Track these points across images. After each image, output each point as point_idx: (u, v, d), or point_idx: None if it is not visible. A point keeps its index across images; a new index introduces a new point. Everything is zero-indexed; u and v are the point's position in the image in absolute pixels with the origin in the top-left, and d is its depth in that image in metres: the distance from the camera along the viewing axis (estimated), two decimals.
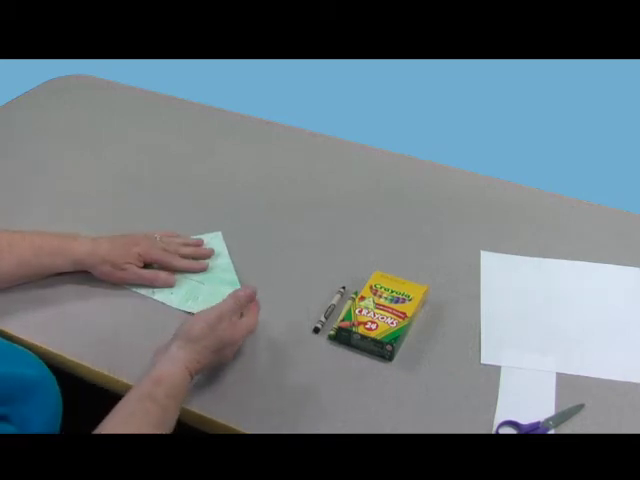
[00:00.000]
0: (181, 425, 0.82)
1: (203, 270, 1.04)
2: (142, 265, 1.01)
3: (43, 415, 0.77)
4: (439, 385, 0.89)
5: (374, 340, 0.91)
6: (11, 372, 0.77)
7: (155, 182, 1.25)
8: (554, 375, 0.90)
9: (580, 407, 0.86)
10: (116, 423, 0.74)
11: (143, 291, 1.00)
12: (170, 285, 1.01)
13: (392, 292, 0.98)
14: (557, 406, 0.86)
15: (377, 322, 0.93)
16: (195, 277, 1.03)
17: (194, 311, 0.96)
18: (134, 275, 0.99)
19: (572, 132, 2.21)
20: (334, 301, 0.99)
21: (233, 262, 1.06)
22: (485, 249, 1.11)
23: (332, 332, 0.94)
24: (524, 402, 0.87)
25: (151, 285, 1.00)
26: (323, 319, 0.96)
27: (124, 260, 0.98)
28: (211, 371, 0.88)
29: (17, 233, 0.97)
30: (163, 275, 1.00)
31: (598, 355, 0.94)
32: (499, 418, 0.85)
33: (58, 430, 0.80)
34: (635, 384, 0.90)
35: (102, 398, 0.79)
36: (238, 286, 1.01)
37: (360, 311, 0.95)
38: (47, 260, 0.97)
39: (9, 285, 0.98)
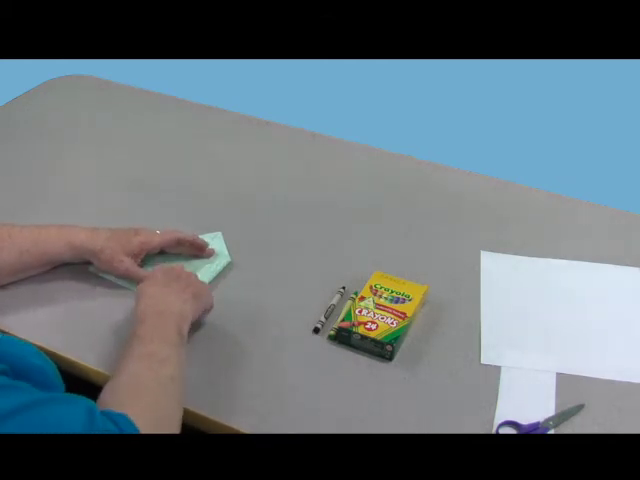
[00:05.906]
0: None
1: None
2: (143, 256, 1.01)
3: None
4: (439, 385, 0.89)
5: (374, 340, 0.91)
6: (25, 359, 0.77)
7: (155, 182, 1.25)
8: (554, 375, 0.90)
9: (580, 407, 0.86)
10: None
11: None
12: None
13: (392, 292, 0.97)
14: (557, 406, 0.86)
15: (377, 322, 0.93)
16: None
17: None
18: (127, 269, 0.98)
19: (572, 132, 2.21)
20: (334, 301, 0.99)
21: (233, 262, 1.06)
22: (485, 249, 1.11)
23: (332, 332, 0.94)
24: (524, 402, 0.87)
25: None
26: (323, 319, 0.96)
27: (124, 250, 0.98)
28: (211, 371, 0.89)
29: (17, 225, 0.98)
30: None
31: (598, 355, 0.94)
32: (499, 418, 0.85)
33: None
34: (635, 384, 0.90)
35: None
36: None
37: (360, 311, 0.95)
38: (47, 247, 0.98)
39: (12, 278, 0.99)
